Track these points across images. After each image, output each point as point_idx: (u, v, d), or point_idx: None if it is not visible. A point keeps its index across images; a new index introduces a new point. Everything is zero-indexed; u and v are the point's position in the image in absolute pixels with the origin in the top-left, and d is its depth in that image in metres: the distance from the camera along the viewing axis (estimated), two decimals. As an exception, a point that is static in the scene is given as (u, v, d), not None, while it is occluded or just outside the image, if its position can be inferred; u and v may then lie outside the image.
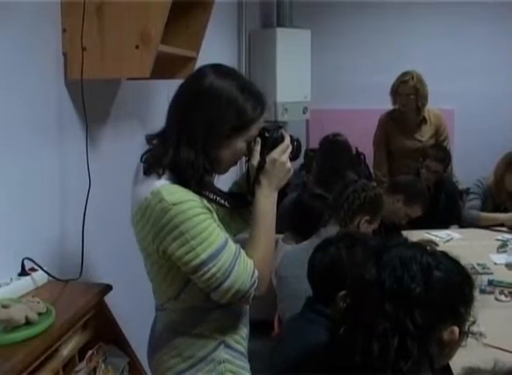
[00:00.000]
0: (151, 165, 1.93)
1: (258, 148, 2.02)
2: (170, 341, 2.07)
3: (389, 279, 1.48)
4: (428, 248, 1.64)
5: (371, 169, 5.96)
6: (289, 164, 2.05)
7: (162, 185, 1.88)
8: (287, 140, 2.06)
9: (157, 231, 1.87)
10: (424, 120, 5.54)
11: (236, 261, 1.89)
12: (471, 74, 6.92)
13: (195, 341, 2.04)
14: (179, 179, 1.91)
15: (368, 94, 6.76)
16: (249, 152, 2.03)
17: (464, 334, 1.55)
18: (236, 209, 2.16)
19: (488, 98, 6.94)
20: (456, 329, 1.50)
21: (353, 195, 3.40)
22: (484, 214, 4.93)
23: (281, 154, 2.02)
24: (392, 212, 4.34)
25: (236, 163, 2.06)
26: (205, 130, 1.90)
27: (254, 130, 1.98)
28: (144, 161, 1.97)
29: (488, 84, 6.95)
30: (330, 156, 5.00)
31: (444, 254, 1.61)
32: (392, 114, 5.62)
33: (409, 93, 5.38)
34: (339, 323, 1.56)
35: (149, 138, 2.02)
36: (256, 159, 2.02)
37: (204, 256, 1.85)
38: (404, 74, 5.44)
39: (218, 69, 2.00)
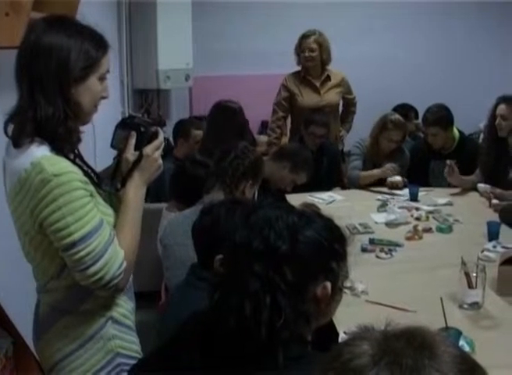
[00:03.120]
0: (18, 135, 1.88)
1: (133, 141, 2.06)
2: (56, 322, 2.03)
3: (255, 239, 1.50)
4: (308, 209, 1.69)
5: (255, 135, 6.00)
6: (160, 161, 2.10)
7: (43, 156, 1.84)
8: (161, 137, 2.10)
9: (35, 203, 1.83)
10: (328, 78, 5.65)
11: (108, 248, 1.89)
12: (351, 39, 7.04)
13: (82, 320, 2.02)
14: (50, 140, 1.88)
15: (250, 60, 6.79)
16: (124, 146, 2.06)
17: (338, 289, 1.59)
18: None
19: (368, 62, 7.09)
20: (328, 284, 1.54)
21: (237, 161, 3.40)
22: (363, 173, 5.12)
23: (154, 150, 2.07)
24: (278, 179, 4.41)
25: (96, 108, 2.03)
26: (56, 79, 1.88)
27: (103, 67, 1.98)
28: (9, 135, 1.91)
29: (371, 49, 7.10)
30: (219, 123, 4.96)
31: (315, 213, 1.65)
32: (296, 75, 5.68)
33: (313, 47, 5.49)
34: (215, 287, 1.57)
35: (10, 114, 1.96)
36: (130, 153, 2.05)
37: (76, 236, 1.83)
38: (306, 31, 5.56)
39: (48, 18, 1.99)
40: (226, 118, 4.95)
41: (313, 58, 5.53)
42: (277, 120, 5.72)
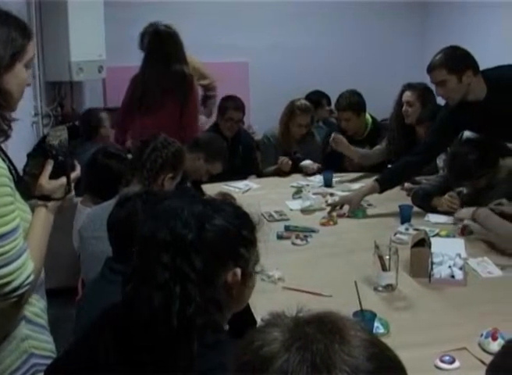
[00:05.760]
0: None
1: (50, 168, 2.04)
2: None
3: (162, 230, 1.51)
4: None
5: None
6: (73, 192, 2.12)
7: None
8: (78, 169, 2.13)
9: None
10: None
11: (22, 254, 1.84)
12: (264, 27, 7.06)
13: None
14: None
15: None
16: (39, 172, 2.05)
17: (249, 275, 1.61)
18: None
19: (281, 50, 7.13)
20: (238, 270, 1.56)
21: (155, 154, 3.38)
22: (269, 169, 5.21)
23: (72, 184, 2.09)
24: (193, 170, 4.40)
25: (21, 95, 2.01)
26: None
27: (29, 54, 1.98)
28: None
29: (282, 37, 7.13)
30: None
31: (223, 201, 1.68)
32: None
33: None
34: (127, 280, 1.57)
35: None
36: (45, 180, 2.04)
37: None
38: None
39: None
40: None
41: None
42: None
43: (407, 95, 4.63)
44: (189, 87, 4.85)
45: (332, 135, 4.89)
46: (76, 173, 2.11)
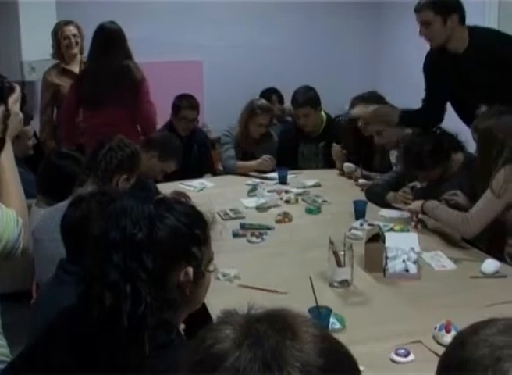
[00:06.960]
0: None
1: None
2: None
3: (112, 230, 1.51)
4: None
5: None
6: (21, 115, 2.07)
7: None
8: (18, 90, 2.06)
9: None
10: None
11: None
12: (218, 26, 7.03)
13: None
14: None
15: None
16: None
17: (201, 274, 1.61)
18: None
19: (236, 49, 7.11)
20: (190, 269, 1.56)
21: (110, 154, 3.35)
22: (240, 163, 5.15)
23: (14, 104, 2.03)
24: (148, 169, 4.37)
25: None
26: None
27: None
28: None
29: (236, 35, 7.10)
30: None
31: (175, 200, 1.67)
32: (56, 68, 5.54)
33: (75, 33, 5.44)
34: (79, 280, 1.57)
35: None
36: None
37: None
38: (64, 20, 5.49)
39: None
40: None
41: (77, 44, 5.45)
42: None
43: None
44: (137, 81, 4.78)
45: (334, 147, 4.88)
46: (17, 94, 2.06)
